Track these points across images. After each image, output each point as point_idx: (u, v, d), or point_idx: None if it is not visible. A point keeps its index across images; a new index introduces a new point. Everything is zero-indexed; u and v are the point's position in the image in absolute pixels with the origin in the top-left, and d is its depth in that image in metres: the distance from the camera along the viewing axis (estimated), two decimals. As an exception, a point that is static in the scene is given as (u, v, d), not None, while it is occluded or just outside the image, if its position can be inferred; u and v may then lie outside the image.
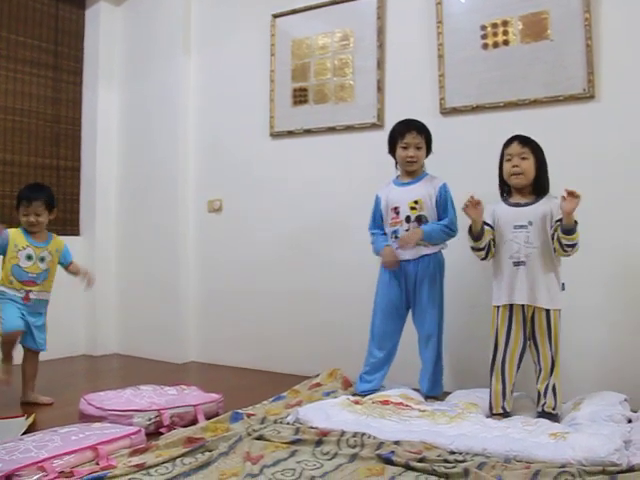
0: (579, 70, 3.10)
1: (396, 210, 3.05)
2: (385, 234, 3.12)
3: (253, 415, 2.66)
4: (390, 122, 3.53)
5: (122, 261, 4.64)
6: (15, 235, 3.12)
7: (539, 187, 2.71)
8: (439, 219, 3.01)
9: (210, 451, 2.21)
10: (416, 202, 3.01)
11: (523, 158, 2.67)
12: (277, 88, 4.04)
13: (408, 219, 3.01)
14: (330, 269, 3.67)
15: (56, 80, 4.52)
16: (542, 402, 2.63)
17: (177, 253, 4.35)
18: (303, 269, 3.87)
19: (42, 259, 3.18)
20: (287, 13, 4.02)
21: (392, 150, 3.11)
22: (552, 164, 2.77)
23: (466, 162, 3.34)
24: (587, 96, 3.08)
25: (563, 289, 2.67)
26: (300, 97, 3.95)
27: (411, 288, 3.04)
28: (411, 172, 3.09)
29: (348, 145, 3.69)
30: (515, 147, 2.70)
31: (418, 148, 3.04)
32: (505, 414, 2.66)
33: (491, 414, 2.69)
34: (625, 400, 2.69)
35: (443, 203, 3.02)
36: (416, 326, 3.08)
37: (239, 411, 2.66)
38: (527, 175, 2.68)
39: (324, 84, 3.87)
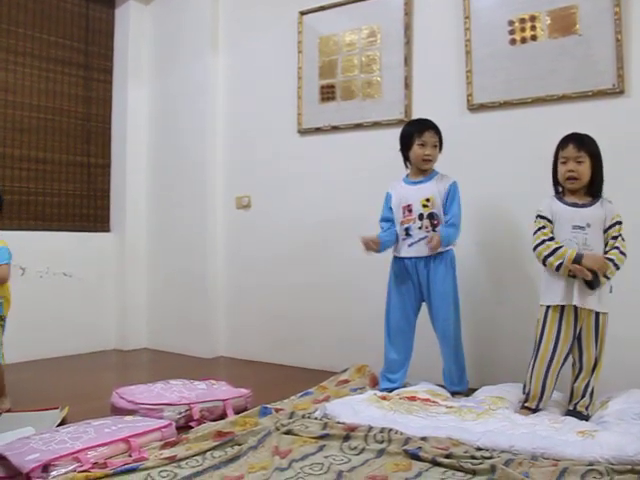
0: (609, 65, 3.07)
1: (409, 208, 3.08)
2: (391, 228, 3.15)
3: (281, 410, 2.69)
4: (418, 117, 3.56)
5: (152, 257, 4.71)
6: None
7: (594, 189, 2.66)
8: (445, 215, 3.05)
9: (239, 445, 2.24)
10: (428, 200, 3.04)
11: (579, 162, 2.61)
12: (304, 85, 4.06)
13: (421, 216, 3.05)
14: (360, 264, 3.66)
15: (87, 79, 4.60)
16: (576, 400, 2.61)
17: (206, 249, 4.39)
18: (332, 264, 3.89)
19: None
20: (314, 10, 4.03)
21: (406, 148, 3.13)
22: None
23: (494, 158, 3.35)
24: (617, 91, 3.04)
25: (611, 292, 2.64)
26: (327, 94, 3.97)
27: (424, 285, 3.07)
28: (424, 170, 3.11)
29: (375, 141, 3.70)
30: (571, 150, 2.62)
31: (435, 146, 3.07)
32: (535, 411, 2.65)
33: (522, 406, 2.67)
34: (654, 398, 2.66)
35: (451, 200, 3.04)
36: (432, 323, 3.10)
37: (267, 406, 2.69)
38: (582, 179, 2.62)
39: (351, 81, 3.88)
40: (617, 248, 2.58)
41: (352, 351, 3.65)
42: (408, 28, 3.67)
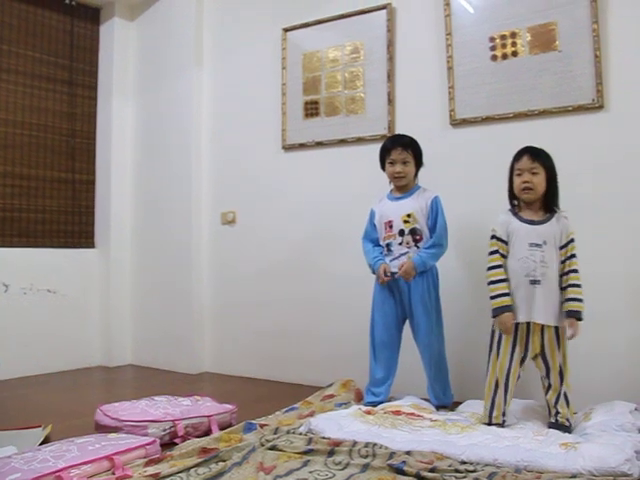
0: (588, 80, 3.11)
1: (390, 224, 3.10)
2: (379, 246, 3.16)
3: (266, 425, 2.69)
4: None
5: (137, 273, 4.69)
6: None
7: (549, 202, 2.71)
8: (431, 232, 3.06)
9: (224, 461, 2.23)
10: (409, 215, 3.06)
11: (534, 173, 2.65)
12: (289, 101, 4.08)
13: (402, 232, 3.07)
14: (344, 280, 3.70)
15: (71, 95, 4.60)
16: (554, 412, 2.63)
17: (191, 264, 4.39)
18: (317, 280, 3.90)
19: None
20: (298, 27, 4.06)
21: (383, 166, 3.17)
22: (562, 174, 2.78)
23: (476, 173, 3.37)
24: (596, 106, 3.08)
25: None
26: (311, 110, 3.99)
27: (406, 302, 3.08)
28: (401, 187, 3.14)
29: (359, 157, 3.73)
30: (525, 161, 2.66)
31: (404, 163, 3.09)
32: (503, 424, 2.64)
33: (489, 424, 2.66)
34: (636, 409, 2.67)
35: (433, 217, 3.06)
36: (415, 339, 3.11)
37: (252, 422, 2.69)
38: (537, 190, 2.66)
39: (335, 97, 3.90)
40: (574, 286, 2.60)
41: (337, 366, 3.65)
42: (391, 44, 3.70)
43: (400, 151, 3.08)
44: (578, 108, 3.14)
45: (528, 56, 3.27)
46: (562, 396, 2.62)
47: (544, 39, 3.23)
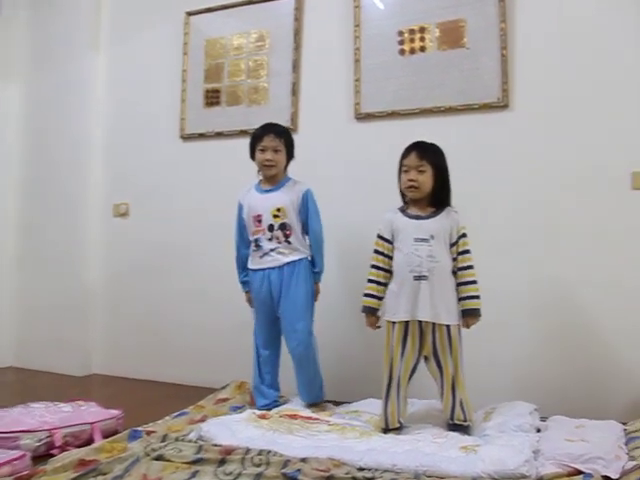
0: (494, 79, 3.09)
1: (258, 218, 2.95)
2: (249, 246, 3.03)
3: (153, 432, 2.48)
4: (304, 126, 3.51)
5: (21, 268, 4.35)
6: None
7: (437, 200, 2.60)
8: (303, 227, 2.95)
9: (104, 475, 2.03)
10: (279, 210, 2.92)
11: (420, 171, 2.55)
12: (189, 88, 3.89)
13: (271, 227, 2.92)
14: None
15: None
16: (449, 414, 2.55)
17: (80, 259, 4.12)
18: (214, 276, 3.72)
19: None
20: (202, 11, 3.88)
21: (252, 154, 3.01)
22: (466, 171, 2.75)
23: (379, 168, 3.27)
24: (501, 105, 3.08)
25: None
26: (212, 98, 3.81)
27: (276, 296, 2.94)
28: (271, 177, 2.99)
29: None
30: (412, 159, 2.57)
31: (276, 151, 2.94)
32: (401, 427, 2.56)
33: (387, 430, 2.55)
34: (535, 410, 2.67)
35: (305, 211, 2.95)
36: (284, 335, 2.98)
37: (138, 429, 2.49)
38: (423, 189, 2.56)
39: (237, 86, 3.74)
40: (469, 283, 2.55)
41: (233, 367, 3.47)
42: (297, 34, 3.58)
43: (272, 138, 2.93)
44: (484, 106, 3.12)
45: (436, 52, 3.23)
46: (456, 401, 2.52)
47: (453, 35, 3.19)
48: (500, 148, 3.08)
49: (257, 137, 2.97)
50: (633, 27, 2.91)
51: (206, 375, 3.63)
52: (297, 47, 3.58)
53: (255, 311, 3.04)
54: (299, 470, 2.02)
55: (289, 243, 2.91)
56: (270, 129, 2.96)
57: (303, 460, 2.13)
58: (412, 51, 3.28)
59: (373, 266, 2.65)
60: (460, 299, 2.55)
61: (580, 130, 2.97)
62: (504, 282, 3.00)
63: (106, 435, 2.54)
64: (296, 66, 3.58)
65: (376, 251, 2.65)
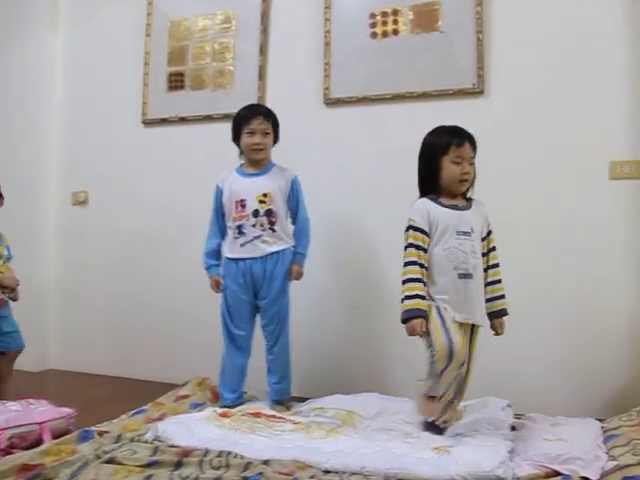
0: (469, 64, 3.00)
1: (242, 203, 2.79)
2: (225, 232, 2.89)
3: (106, 433, 2.32)
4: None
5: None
6: None
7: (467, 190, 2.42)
8: (291, 214, 2.85)
9: (48, 480, 1.87)
10: (265, 195, 2.78)
11: (471, 163, 2.35)
12: (152, 72, 3.71)
13: (256, 213, 2.76)
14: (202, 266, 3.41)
15: None
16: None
17: (36, 249, 3.92)
18: (176, 266, 3.58)
19: (6, 258, 3.02)
20: (166, -9, 3.71)
21: (237, 137, 2.86)
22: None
23: (349, 155, 3.21)
24: (477, 91, 2.99)
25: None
26: (176, 82, 3.65)
27: (259, 287, 2.80)
28: (257, 161, 2.85)
29: (226, 134, 3.42)
30: (467, 150, 2.32)
31: (265, 134, 2.80)
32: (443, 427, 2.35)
33: (432, 422, 2.33)
34: (508, 406, 2.59)
35: (295, 198, 2.84)
36: (262, 326, 2.86)
37: (89, 429, 2.32)
38: (471, 182, 2.38)
39: (202, 69, 3.59)
40: (499, 282, 2.38)
41: (197, 363, 3.33)
42: (265, 16, 3.44)
43: (262, 120, 2.78)
44: (458, 92, 3.02)
45: (409, 35, 3.12)
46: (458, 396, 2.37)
47: (427, 18, 3.09)
48: (475, 135, 2.97)
49: (244, 119, 2.80)
50: (613, 11, 2.83)
51: (169, 371, 3.48)
52: (264, 29, 3.45)
53: (227, 302, 2.86)
54: (261, 473, 1.89)
55: (273, 231, 2.77)
56: (258, 111, 2.82)
57: (265, 462, 1.99)
58: (384, 34, 3.17)
59: (413, 263, 2.29)
60: (490, 299, 2.38)
61: (557, 118, 2.89)
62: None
63: (56, 435, 2.37)
64: (263, 49, 3.45)
65: (414, 246, 2.30)
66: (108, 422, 2.56)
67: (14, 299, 3.04)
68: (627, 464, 1.92)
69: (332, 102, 3.26)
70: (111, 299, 3.79)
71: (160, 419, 2.54)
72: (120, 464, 2.01)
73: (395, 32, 3.14)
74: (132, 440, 2.25)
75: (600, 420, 2.49)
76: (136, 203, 3.74)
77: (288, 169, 2.86)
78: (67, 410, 2.57)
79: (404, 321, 2.27)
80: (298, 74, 3.37)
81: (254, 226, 2.76)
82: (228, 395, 2.83)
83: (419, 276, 2.28)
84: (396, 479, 1.94)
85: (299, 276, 2.85)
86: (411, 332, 2.27)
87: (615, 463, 1.96)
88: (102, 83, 3.89)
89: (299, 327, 3.01)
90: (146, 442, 2.24)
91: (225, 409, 2.63)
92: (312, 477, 1.91)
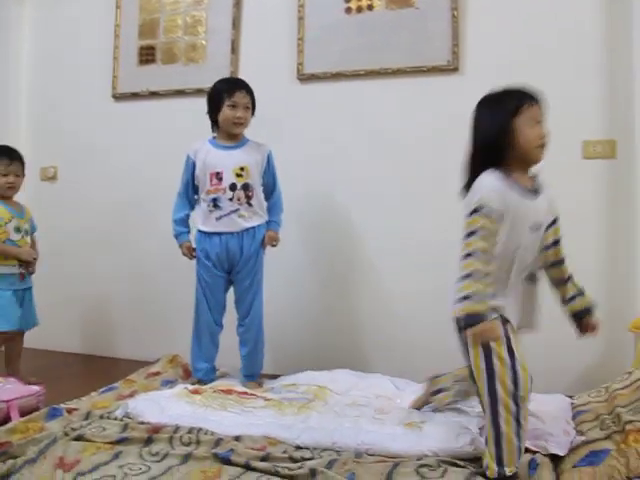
0: (444, 41, 2.98)
1: (218, 176, 2.74)
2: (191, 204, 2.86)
3: (76, 410, 2.29)
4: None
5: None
6: None
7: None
8: (266, 188, 2.83)
9: (14, 459, 1.83)
10: (242, 169, 2.74)
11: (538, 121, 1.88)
12: (122, 45, 3.63)
13: (233, 187, 2.72)
14: (174, 243, 3.35)
15: None
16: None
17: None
18: (143, 242, 3.54)
19: (26, 231, 3.01)
20: (136, -38, 3.62)
21: (215, 110, 2.79)
22: (413, 137, 2.60)
23: (322, 131, 3.18)
24: (451, 68, 2.97)
25: None
26: (147, 56, 3.57)
27: (234, 262, 2.77)
28: (234, 135, 2.81)
29: (198, 110, 3.35)
30: (539, 110, 1.87)
31: (246, 108, 2.77)
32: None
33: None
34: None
35: (271, 173, 2.83)
36: (236, 303, 2.84)
37: (58, 406, 2.29)
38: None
39: (174, 42, 3.51)
40: (572, 277, 2.02)
41: (166, 338, 3.32)
42: (238, -12, 3.38)
43: (244, 94, 2.74)
44: (432, 69, 3.01)
45: (384, 10, 3.08)
46: None
47: (401, -6, 3.05)
48: (449, 113, 2.95)
49: (227, 92, 2.74)
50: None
51: (142, 349, 3.45)
52: (237, 3, 3.38)
53: (202, 276, 2.82)
54: (232, 450, 1.87)
55: (250, 205, 2.74)
56: (241, 85, 2.78)
57: (236, 438, 1.99)
58: (359, 10, 3.13)
59: (471, 254, 1.73)
60: (571, 298, 2.01)
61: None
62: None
63: (25, 413, 2.33)
64: (236, 23, 3.38)
65: (481, 234, 1.74)
66: (77, 400, 2.52)
67: (31, 272, 3.04)
68: (594, 439, 1.93)
69: (306, 78, 3.22)
70: (82, 276, 3.73)
71: (131, 396, 2.51)
72: (89, 441, 1.98)
73: (370, 7, 3.10)
74: (101, 417, 2.23)
75: (569, 397, 2.50)
76: (105, 178, 3.67)
77: (263, 144, 2.83)
78: (35, 388, 2.54)
79: (468, 326, 1.73)
80: (271, 49, 3.31)
81: (231, 200, 2.72)
82: (201, 365, 2.81)
83: (485, 269, 1.73)
84: (367, 454, 1.93)
85: (274, 241, 2.83)
86: (481, 339, 1.75)
87: (583, 438, 1.97)
88: (70, 56, 3.79)
89: (271, 304, 2.98)
90: (115, 419, 2.22)
91: (196, 386, 2.61)
92: (284, 452, 1.90)
